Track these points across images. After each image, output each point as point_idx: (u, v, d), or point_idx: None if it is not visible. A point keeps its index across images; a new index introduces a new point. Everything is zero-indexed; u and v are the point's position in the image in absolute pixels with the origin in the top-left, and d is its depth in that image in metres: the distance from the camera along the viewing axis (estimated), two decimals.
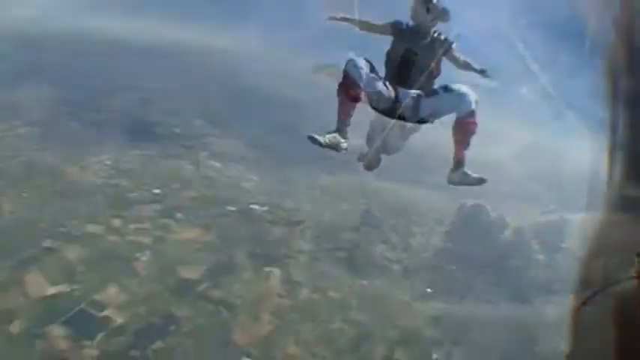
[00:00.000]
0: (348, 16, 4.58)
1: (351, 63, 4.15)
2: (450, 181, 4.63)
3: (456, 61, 4.57)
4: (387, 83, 4.41)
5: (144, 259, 31.01)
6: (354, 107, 4.26)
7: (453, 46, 4.50)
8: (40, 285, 26.91)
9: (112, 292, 27.13)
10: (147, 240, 33.39)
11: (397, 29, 4.56)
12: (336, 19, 4.60)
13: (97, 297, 26.28)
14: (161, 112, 72.08)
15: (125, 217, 35.70)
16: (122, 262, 30.10)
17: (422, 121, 4.60)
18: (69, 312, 25.41)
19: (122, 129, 59.56)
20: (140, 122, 63.72)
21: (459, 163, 4.47)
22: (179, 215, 37.84)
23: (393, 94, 4.40)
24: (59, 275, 27.70)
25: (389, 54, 4.62)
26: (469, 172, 4.45)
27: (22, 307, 25.29)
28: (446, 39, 4.48)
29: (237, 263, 33.02)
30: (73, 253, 29.77)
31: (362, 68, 4.13)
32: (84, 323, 24.99)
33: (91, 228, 33.25)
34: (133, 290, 27.71)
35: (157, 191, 41.52)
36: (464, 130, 4.30)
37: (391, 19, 4.65)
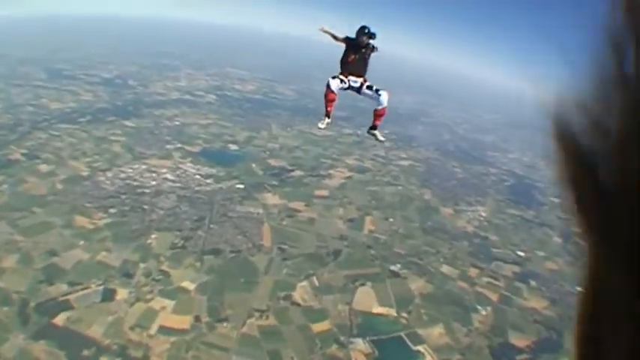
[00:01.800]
0: (330, 30, 8.14)
1: (332, 82, 8.22)
2: (367, 132, 8.85)
3: (373, 52, 8.21)
4: (345, 80, 8.24)
5: (483, 312, 33.26)
6: (333, 102, 8.44)
7: (377, 48, 8.12)
8: (368, 300, 32.05)
9: (436, 332, 30.41)
10: (494, 296, 35.47)
11: (349, 42, 8.12)
12: (323, 31, 8.15)
13: (420, 331, 30.26)
14: (547, 178, 70.03)
15: (482, 269, 39.01)
16: (461, 309, 33.21)
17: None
18: (383, 334, 29.17)
19: (503, 186, 65.01)
20: (523, 184, 67.26)
21: (373, 127, 8.67)
22: (533, 283, 38.21)
23: (347, 84, 8.26)
24: (390, 299, 32.87)
25: (343, 57, 8.26)
26: (377, 134, 8.74)
27: (337, 313, 30.46)
28: (373, 45, 8.10)
29: (563, 344, 30.56)
30: (416, 284, 35.25)
31: (334, 85, 8.22)
32: (392, 349, 28.05)
33: (446, 269, 38.12)
34: (457, 337, 30.30)
35: (521, 254, 43.16)
36: (378, 114, 8.45)
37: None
